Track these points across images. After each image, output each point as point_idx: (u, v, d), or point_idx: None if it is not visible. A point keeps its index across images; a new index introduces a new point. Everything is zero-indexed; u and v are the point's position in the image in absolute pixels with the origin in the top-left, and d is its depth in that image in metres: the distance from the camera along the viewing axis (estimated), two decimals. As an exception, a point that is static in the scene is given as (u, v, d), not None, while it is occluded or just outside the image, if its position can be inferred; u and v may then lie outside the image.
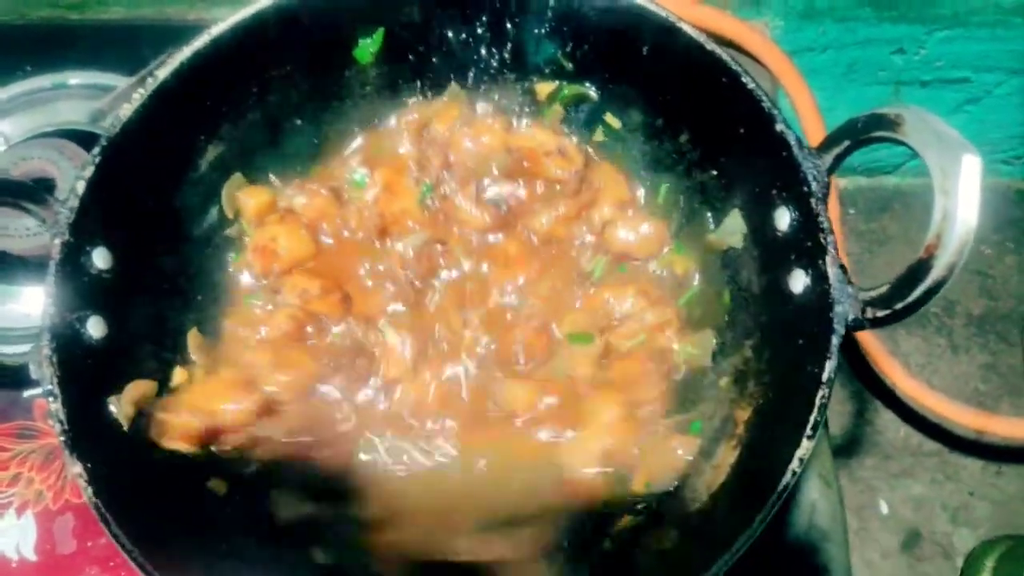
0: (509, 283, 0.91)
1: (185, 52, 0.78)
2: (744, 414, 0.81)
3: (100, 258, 0.75)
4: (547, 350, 0.88)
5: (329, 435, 0.86)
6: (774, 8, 1.30)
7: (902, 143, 0.65)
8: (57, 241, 0.72)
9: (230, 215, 0.90)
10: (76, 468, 0.67)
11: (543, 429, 0.86)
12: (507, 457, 0.85)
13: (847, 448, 1.72)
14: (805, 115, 1.16)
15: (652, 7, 0.80)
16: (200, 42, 0.79)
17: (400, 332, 0.88)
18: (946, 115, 0.60)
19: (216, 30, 0.79)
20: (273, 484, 0.83)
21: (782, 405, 0.77)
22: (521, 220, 0.92)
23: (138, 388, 0.77)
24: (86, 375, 0.72)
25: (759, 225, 0.82)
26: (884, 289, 0.66)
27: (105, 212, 0.75)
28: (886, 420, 1.73)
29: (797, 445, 0.67)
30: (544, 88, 0.93)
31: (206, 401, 0.81)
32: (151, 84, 0.77)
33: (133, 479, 0.73)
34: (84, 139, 1.02)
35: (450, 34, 0.90)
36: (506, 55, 0.91)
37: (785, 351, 0.78)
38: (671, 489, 0.83)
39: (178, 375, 0.83)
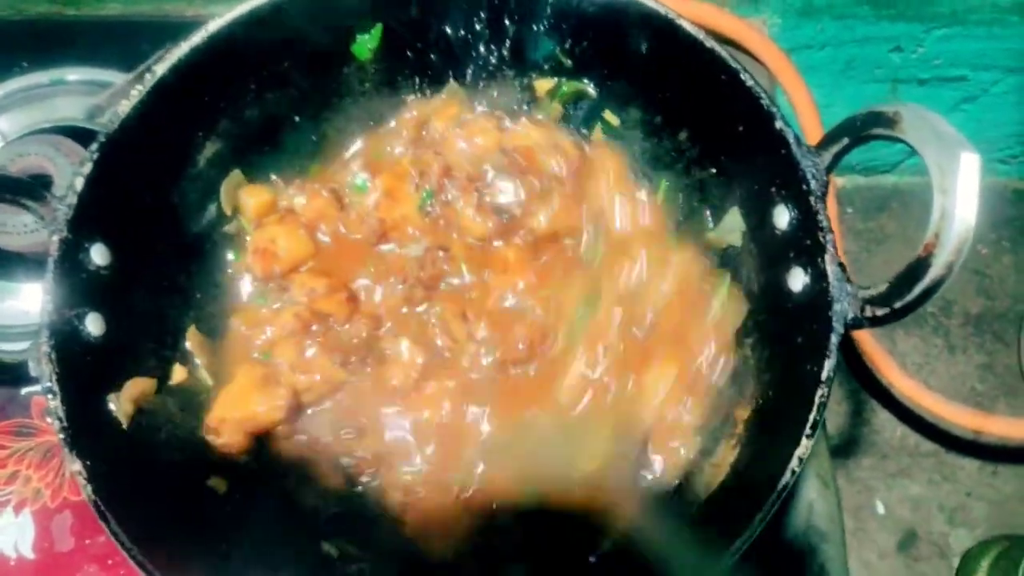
0: (510, 289, 0.91)
1: (183, 48, 0.78)
2: (743, 413, 0.82)
3: (98, 255, 0.75)
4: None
5: (357, 430, 0.86)
6: (772, 5, 1.30)
7: (900, 141, 0.65)
8: (55, 238, 0.72)
9: (228, 212, 0.90)
10: (75, 465, 0.67)
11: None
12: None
13: (844, 448, 1.72)
14: (803, 113, 1.16)
15: (651, 3, 0.80)
16: (198, 38, 0.78)
17: (407, 335, 0.88)
18: (943, 114, 0.60)
19: (213, 26, 0.79)
20: (300, 478, 0.84)
21: (781, 404, 0.77)
22: (522, 223, 0.92)
23: (137, 386, 0.77)
24: (85, 372, 0.72)
25: (758, 223, 0.82)
26: (883, 288, 0.66)
27: (103, 209, 0.75)
28: (883, 420, 1.73)
29: (796, 444, 0.67)
30: (543, 85, 0.93)
31: (237, 406, 0.82)
32: (149, 80, 0.77)
33: (132, 477, 0.73)
34: (81, 135, 1.02)
35: (449, 31, 0.90)
36: (505, 52, 0.91)
37: (784, 350, 0.79)
38: (671, 488, 0.83)
39: (177, 373, 0.83)
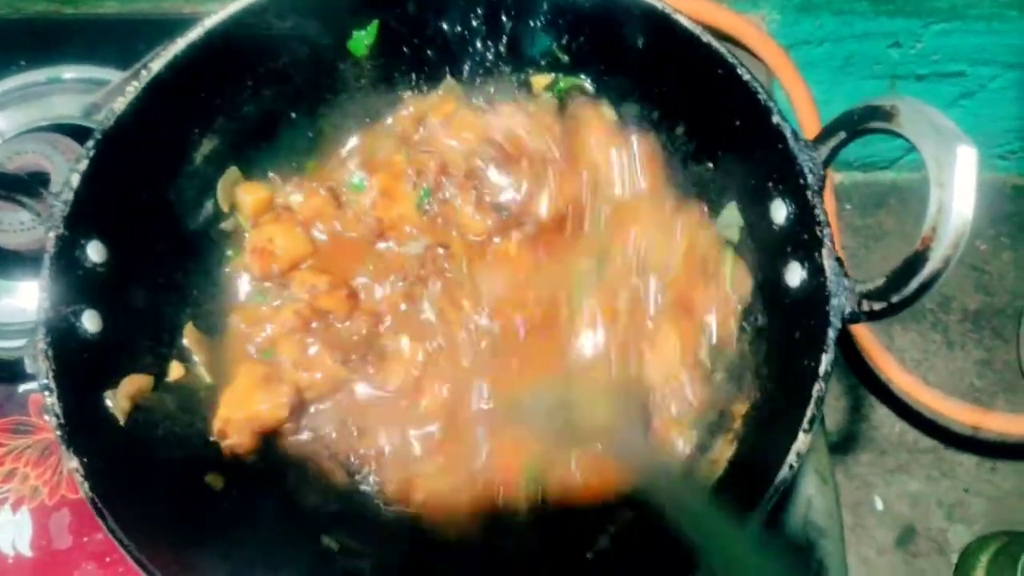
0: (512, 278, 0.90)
1: (179, 44, 0.78)
2: (741, 408, 0.82)
3: (95, 251, 0.75)
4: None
5: (359, 427, 0.86)
6: (771, 1, 1.29)
7: (897, 134, 0.64)
8: (51, 234, 0.71)
9: (226, 209, 0.89)
10: (72, 462, 0.67)
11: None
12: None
13: (842, 444, 1.71)
14: (801, 109, 1.16)
15: (648, -1, 0.80)
16: (194, 34, 0.78)
17: (408, 332, 0.88)
18: (942, 109, 0.60)
19: (210, 22, 0.79)
20: (302, 475, 0.84)
21: (779, 399, 0.77)
22: (523, 213, 0.91)
23: (134, 382, 0.77)
24: (82, 369, 0.72)
25: (755, 218, 0.82)
26: (880, 282, 0.66)
27: (99, 206, 0.75)
28: (881, 416, 1.73)
29: (794, 439, 0.67)
30: (540, 81, 0.93)
31: (240, 405, 0.82)
32: (145, 77, 0.77)
33: (130, 474, 0.73)
34: (79, 133, 1.01)
35: (445, 27, 0.90)
36: (501, 48, 0.91)
37: (782, 345, 0.78)
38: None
39: (175, 370, 0.83)
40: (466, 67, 0.93)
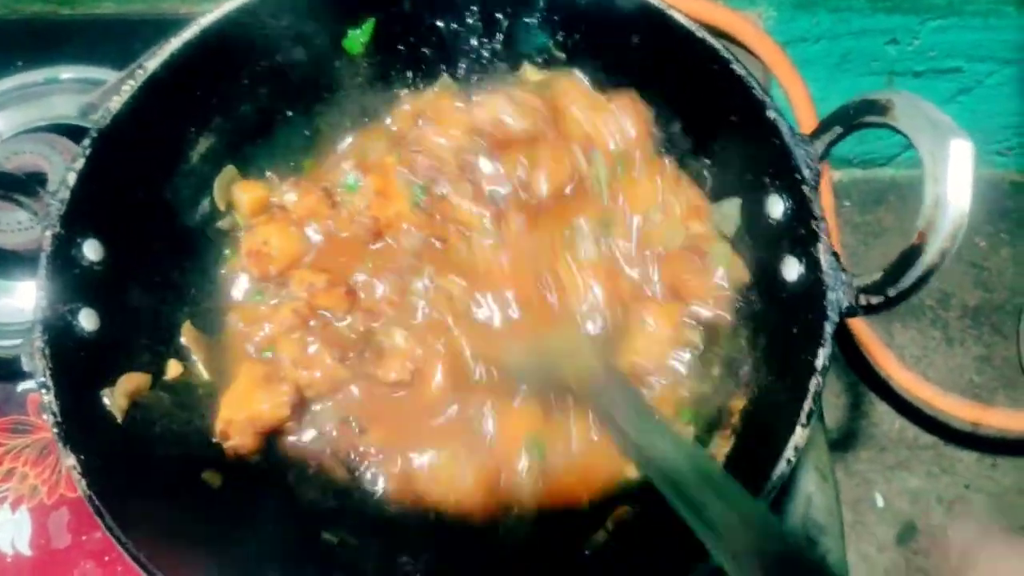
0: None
1: (174, 43, 0.78)
2: (738, 403, 0.82)
3: (91, 250, 0.75)
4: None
5: (360, 424, 0.87)
6: (768, -2, 1.30)
7: (893, 128, 0.64)
8: (48, 233, 0.72)
9: (222, 207, 0.90)
10: (70, 460, 0.67)
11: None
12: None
13: (843, 441, 1.72)
14: (798, 106, 1.16)
15: (644, -4, 0.80)
16: (189, 33, 0.79)
17: (404, 326, 0.88)
18: (939, 105, 0.60)
19: (205, 21, 0.79)
20: (302, 473, 0.84)
21: (776, 394, 0.77)
22: (522, 197, 0.91)
23: (131, 380, 0.77)
24: (79, 367, 0.72)
25: (752, 213, 0.82)
26: (877, 276, 0.66)
27: (96, 204, 0.75)
28: (881, 413, 1.73)
29: (791, 434, 0.68)
30: (536, 78, 0.92)
31: (242, 405, 0.82)
32: (141, 76, 0.77)
33: (128, 471, 0.73)
34: (76, 133, 1.02)
35: (441, 25, 0.90)
36: (497, 45, 0.91)
37: (779, 339, 0.78)
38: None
39: (172, 368, 0.83)
40: (462, 65, 0.93)
